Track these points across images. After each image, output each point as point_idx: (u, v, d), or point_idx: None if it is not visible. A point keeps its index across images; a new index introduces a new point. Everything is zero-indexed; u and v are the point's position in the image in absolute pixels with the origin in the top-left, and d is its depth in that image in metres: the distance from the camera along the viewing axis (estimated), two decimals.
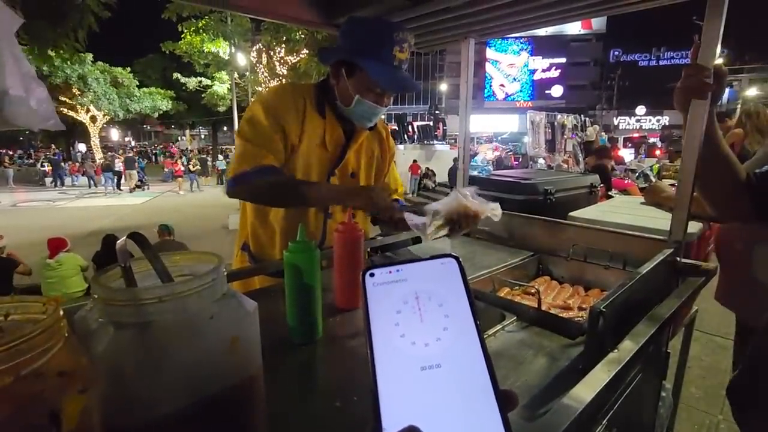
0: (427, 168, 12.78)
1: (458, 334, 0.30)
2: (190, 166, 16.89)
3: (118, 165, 17.56)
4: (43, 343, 0.34)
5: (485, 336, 0.94)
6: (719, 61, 1.06)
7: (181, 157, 21.62)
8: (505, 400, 0.28)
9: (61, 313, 0.37)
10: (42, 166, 20.05)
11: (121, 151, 24.52)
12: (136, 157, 19.05)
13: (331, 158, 1.33)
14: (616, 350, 0.75)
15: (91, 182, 17.94)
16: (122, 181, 17.11)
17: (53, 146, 29.31)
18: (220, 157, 21.13)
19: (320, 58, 1.36)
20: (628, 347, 0.76)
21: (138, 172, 17.36)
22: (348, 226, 0.98)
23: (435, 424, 0.26)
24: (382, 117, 1.45)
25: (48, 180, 18.98)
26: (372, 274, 0.33)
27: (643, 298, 0.98)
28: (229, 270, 1.26)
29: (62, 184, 18.51)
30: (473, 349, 0.30)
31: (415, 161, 12.77)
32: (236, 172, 1.18)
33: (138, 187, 16.93)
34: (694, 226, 1.42)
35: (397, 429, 0.26)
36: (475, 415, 0.27)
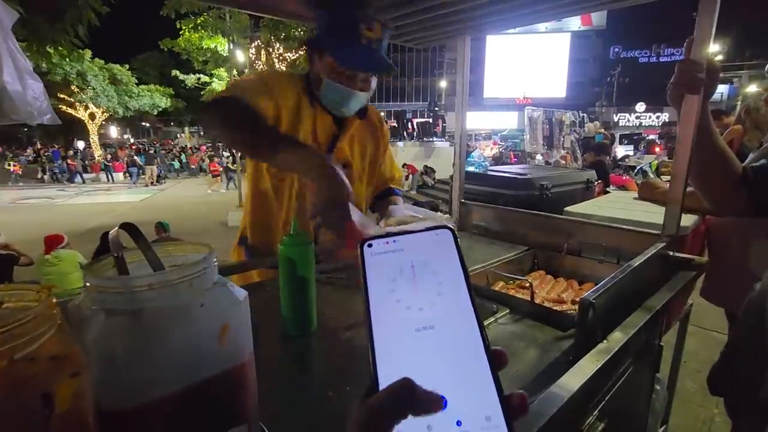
0: (426, 165, 12.76)
1: (451, 298, 0.32)
2: (229, 164, 16.83)
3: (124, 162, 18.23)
4: (36, 328, 0.35)
5: None
6: (718, 57, 1.07)
7: (212, 155, 21.46)
8: (495, 359, 0.29)
9: (54, 300, 0.38)
10: (9, 165, 19.48)
11: (132, 148, 24.64)
12: (158, 154, 19.68)
13: (323, 149, 1.32)
14: (605, 341, 0.77)
15: (81, 178, 18.36)
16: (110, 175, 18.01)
17: (34, 146, 29.19)
18: (226, 153, 21.13)
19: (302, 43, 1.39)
20: (617, 338, 0.78)
21: (157, 167, 18.25)
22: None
23: (429, 380, 0.27)
24: (371, 105, 1.44)
25: (48, 176, 19.06)
26: (370, 245, 0.34)
27: (635, 290, 0.99)
28: (226, 263, 1.27)
29: (58, 181, 18.60)
30: (465, 312, 0.31)
31: (405, 164, 12.46)
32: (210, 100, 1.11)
33: (157, 181, 17.76)
34: (688, 220, 1.43)
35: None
36: (467, 372, 0.28)
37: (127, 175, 18.69)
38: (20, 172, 19.07)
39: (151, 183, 17.49)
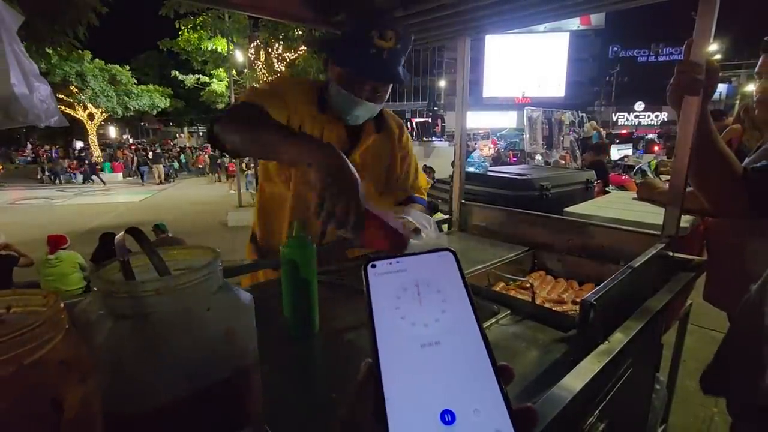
0: (425, 165, 12.77)
1: (456, 315, 0.32)
2: (243, 165, 16.95)
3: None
4: (45, 334, 0.35)
5: None
6: (716, 57, 1.07)
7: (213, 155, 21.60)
8: (502, 373, 0.29)
9: (62, 305, 0.38)
10: None
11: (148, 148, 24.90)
12: (164, 154, 20.32)
13: None
14: (606, 342, 0.77)
15: (85, 178, 18.59)
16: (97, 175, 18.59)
17: (33, 146, 29.12)
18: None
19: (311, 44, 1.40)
20: (618, 339, 0.78)
21: (165, 167, 18.90)
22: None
23: (437, 395, 0.27)
24: (391, 113, 1.44)
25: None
26: (374, 266, 0.35)
27: (635, 291, 1.00)
28: (230, 264, 1.27)
29: (60, 182, 18.60)
30: (471, 328, 0.31)
31: None
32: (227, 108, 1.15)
33: (165, 179, 18.43)
34: (686, 220, 1.44)
35: (399, 397, 0.27)
36: (475, 386, 0.28)
37: (136, 173, 19.19)
38: (2, 171, 19.17)
39: (160, 182, 18.00)
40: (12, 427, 0.33)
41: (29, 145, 30.00)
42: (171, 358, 0.41)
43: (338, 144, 1.22)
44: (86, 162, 19.56)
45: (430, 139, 15.66)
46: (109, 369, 0.39)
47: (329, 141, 1.19)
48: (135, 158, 20.11)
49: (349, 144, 1.31)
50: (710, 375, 0.99)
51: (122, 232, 0.47)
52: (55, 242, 3.95)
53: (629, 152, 12.23)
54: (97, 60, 19.59)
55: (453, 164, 1.83)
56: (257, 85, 1.24)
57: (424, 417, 0.27)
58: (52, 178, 18.59)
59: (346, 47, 1.18)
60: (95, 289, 0.42)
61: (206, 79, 16.21)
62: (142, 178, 18.38)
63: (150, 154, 20.34)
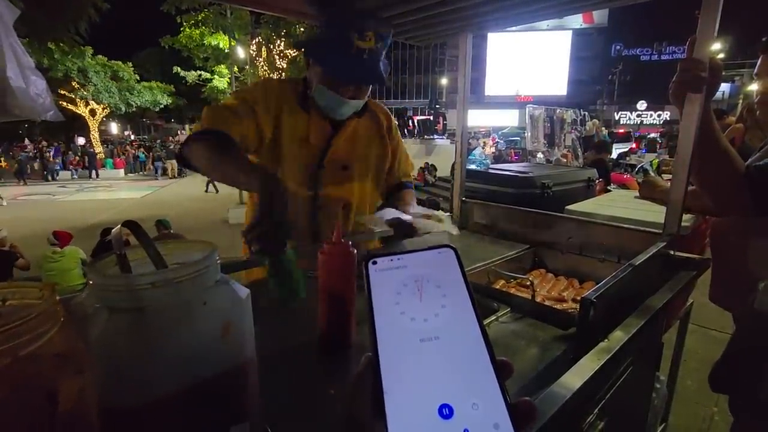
0: (427, 162, 12.76)
1: (456, 311, 0.32)
2: None
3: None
4: (40, 326, 0.35)
5: None
6: (720, 56, 1.07)
7: None
8: (501, 369, 0.29)
9: (57, 298, 0.38)
10: None
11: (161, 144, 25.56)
12: (175, 149, 20.73)
13: (317, 152, 1.31)
14: (606, 340, 0.77)
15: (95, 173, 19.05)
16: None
17: (34, 142, 29.09)
18: None
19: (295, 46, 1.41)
20: (617, 337, 0.78)
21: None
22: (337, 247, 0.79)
23: (436, 389, 0.28)
24: (375, 102, 1.45)
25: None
26: (374, 262, 0.35)
27: (636, 289, 0.99)
28: (229, 260, 1.27)
29: (53, 179, 18.61)
30: (470, 323, 0.31)
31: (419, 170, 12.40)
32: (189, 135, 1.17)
33: (179, 174, 19.18)
34: (687, 219, 1.43)
35: (398, 391, 0.28)
36: (474, 380, 0.28)
37: (142, 169, 20.28)
38: (7, 168, 19.46)
39: (173, 176, 18.73)
40: (7, 419, 0.33)
41: (26, 141, 29.98)
42: (167, 352, 0.41)
43: (321, 134, 1.30)
44: (50, 157, 19.49)
45: (431, 137, 15.63)
46: (104, 362, 0.39)
47: (314, 132, 1.29)
48: (151, 154, 21.27)
49: (332, 131, 1.32)
50: (718, 373, 0.99)
51: (119, 226, 0.47)
52: (63, 237, 3.98)
53: (627, 149, 12.20)
54: (99, 56, 19.61)
55: (455, 162, 1.83)
56: (222, 102, 1.24)
57: (423, 411, 0.27)
58: (45, 173, 18.57)
59: (326, 48, 1.19)
60: (91, 282, 0.41)
61: (208, 75, 16.19)
62: (156, 172, 19.32)
63: (164, 151, 21.46)
